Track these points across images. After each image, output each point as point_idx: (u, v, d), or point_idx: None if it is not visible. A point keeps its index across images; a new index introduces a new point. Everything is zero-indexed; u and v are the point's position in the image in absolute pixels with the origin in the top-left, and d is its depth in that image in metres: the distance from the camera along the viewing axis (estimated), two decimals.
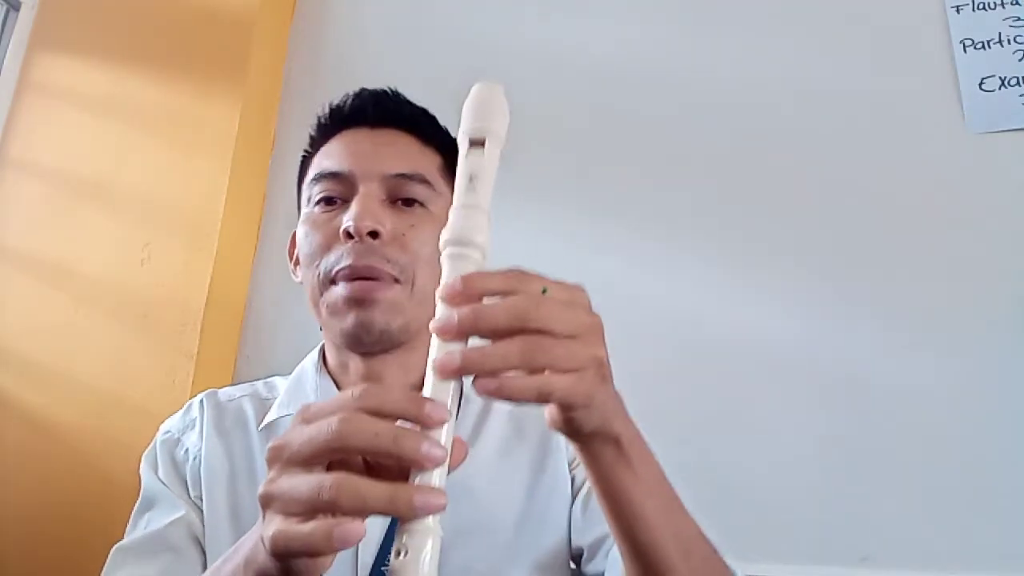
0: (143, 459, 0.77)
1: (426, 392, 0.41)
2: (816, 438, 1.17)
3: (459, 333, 0.41)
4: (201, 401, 0.79)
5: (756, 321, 1.25)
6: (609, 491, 0.50)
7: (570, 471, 0.76)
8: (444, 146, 0.80)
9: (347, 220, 0.70)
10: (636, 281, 1.29)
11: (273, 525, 0.40)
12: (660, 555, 0.51)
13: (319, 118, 0.81)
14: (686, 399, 1.18)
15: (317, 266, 0.72)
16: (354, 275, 0.70)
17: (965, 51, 1.29)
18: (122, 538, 0.72)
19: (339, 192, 0.74)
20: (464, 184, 0.45)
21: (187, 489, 0.73)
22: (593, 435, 0.48)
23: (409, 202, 0.74)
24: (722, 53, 1.42)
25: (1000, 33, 1.28)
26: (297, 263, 0.81)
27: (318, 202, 0.75)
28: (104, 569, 0.69)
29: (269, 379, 0.84)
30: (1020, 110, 1.24)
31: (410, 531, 0.38)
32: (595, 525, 0.70)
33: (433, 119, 0.82)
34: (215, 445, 0.75)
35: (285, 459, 0.41)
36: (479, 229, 0.44)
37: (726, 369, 1.22)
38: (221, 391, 0.82)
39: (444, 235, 0.44)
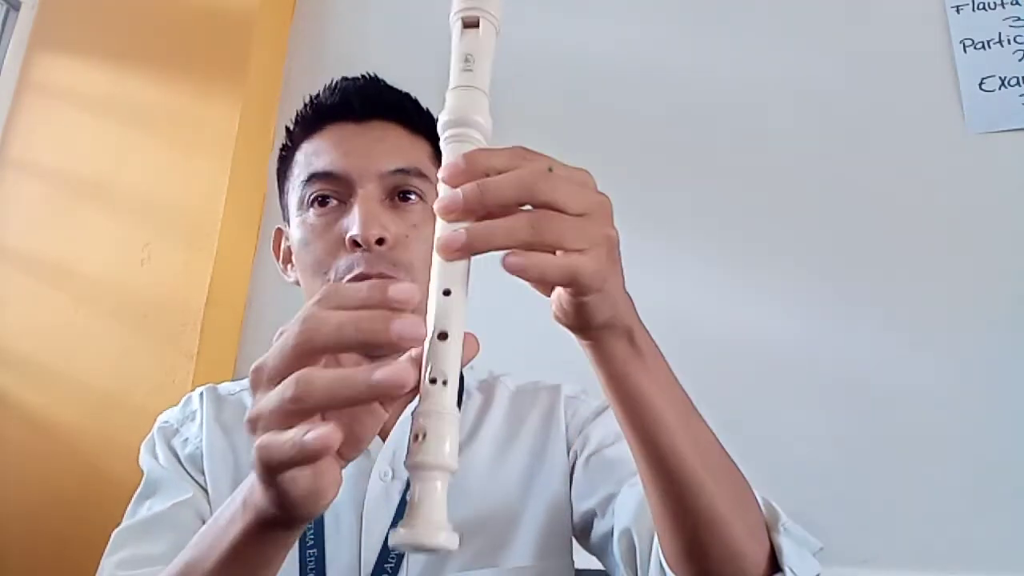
0: (142, 448, 0.77)
1: (433, 278, 0.39)
2: (816, 439, 1.17)
3: (465, 210, 0.38)
4: (201, 394, 0.79)
5: (756, 321, 1.25)
6: (624, 391, 0.48)
7: (569, 449, 0.75)
8: (431, 132, 0.78)
9: (353, 229, 0.69)
10: (636, 281, 1.28)
11: (258, 441, 0.38)
12: (680, 459, 0.48)
13: (298, 112, 0.79)
14: None
15: (325, 274, 0.71)
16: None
17: (965, 51, 1.29)
18: None
19: (334, 192, 0.73)
20: (460, 65, 0.42)
21: (190, 475, 0.73)
22: (605, 326, 0.45)
23: (406, 196, 0.73)
24: (722, 53, 1.42)
25: (1000, 33, 1.28)
26: (286, 261, 0.80)
27: (312, 202, 0.74)
28: (104, 553, 0.68)
29: None
30: (1020, 110, 1.24)
31: (427, 414, 0.37)
32: (600, 485, 0.70)
33: (417, 104, 0.80)
34: (217, 438, 0.74)
35: (265, 379, 0.39)
36: (478, 109, 0.41)
37: (726, 369, 1.22)
38: (220, 386, 0.81)
39: (442, 118, 0.42)
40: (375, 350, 0.37)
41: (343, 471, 0.41)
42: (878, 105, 1.31)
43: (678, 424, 0.49)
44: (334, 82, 0.80)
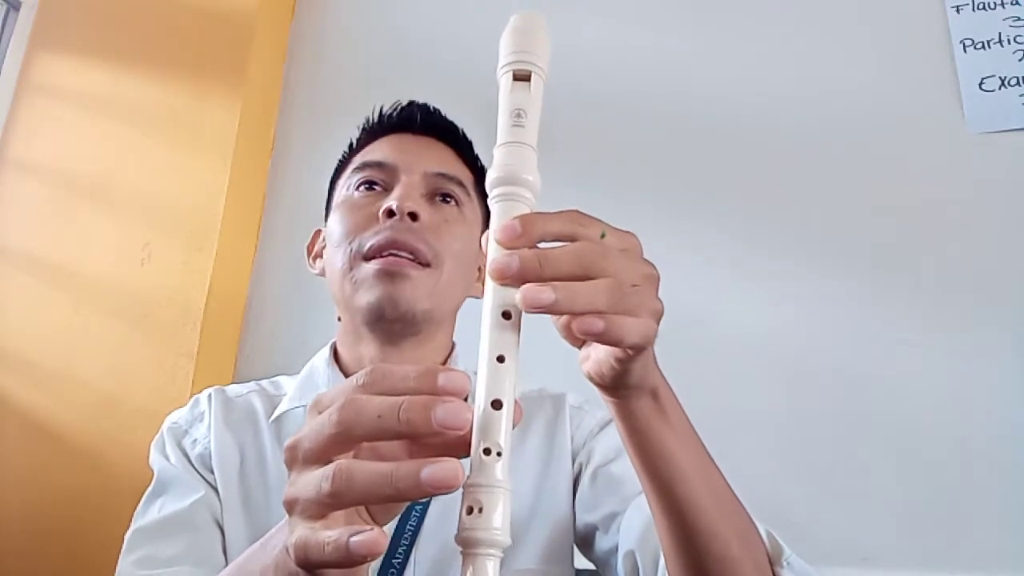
0: (152, 447, 0.77)
1: (485, 343, 0.38)
2: (816, 438, 1.17)
3: (518, 277, 0.38)
4: (209, 396, 0.80)
5: (755, 319, 1.25)
6: (646, 445, 0.49)
7: (574, 460, 0.77)
8: (475, 165, 0.84)
9: (391, 200, 0.73)
10: None
11: (296, 532, 0.37)
12: (698, 509, 0.50)
13: (366, 120, 0.85)
14: (686, 398, 1.18)
15: (351, 243, 0.74)
16: (391, 248, 0.71)
17: (965, 51, 1.29)
18: (122, 536, 0.72)
19: (381, 179, 0.77)
20: (510, 120, 0.42)
21: (200, 474, 0.74)
22: (636, 387, 0.47)
23: (446, 199, 0.78)
24: (723, 54, 1.42)
25: (1000, 33, 1.28)
26: (316, 257, 0.84)
27: (359, 186, 0.78)
28: (121, 553, 0.69)
29: (274, 378, 0.85)
30: (1020, 110, 1.24)
31: (480, 487, 0.35)
32: (604, 501, 0.71)
33: (468, 140, 0.85)
34: (225, 437, 0.75)
35: (300, 458, 0.38)
36: (528, 166, 0.41)
37: (726, 368, 1.22)
38: (228, 388, 0.82)
39: (491, 174, 0.41)
40: (417, 438, 0.36)
41: None
42: (878, 105, 1.31)
43: (696, 475, 0.50)
44: (401, 101, 0.85)
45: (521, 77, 0.43)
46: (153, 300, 1.40)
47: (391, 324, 0.73)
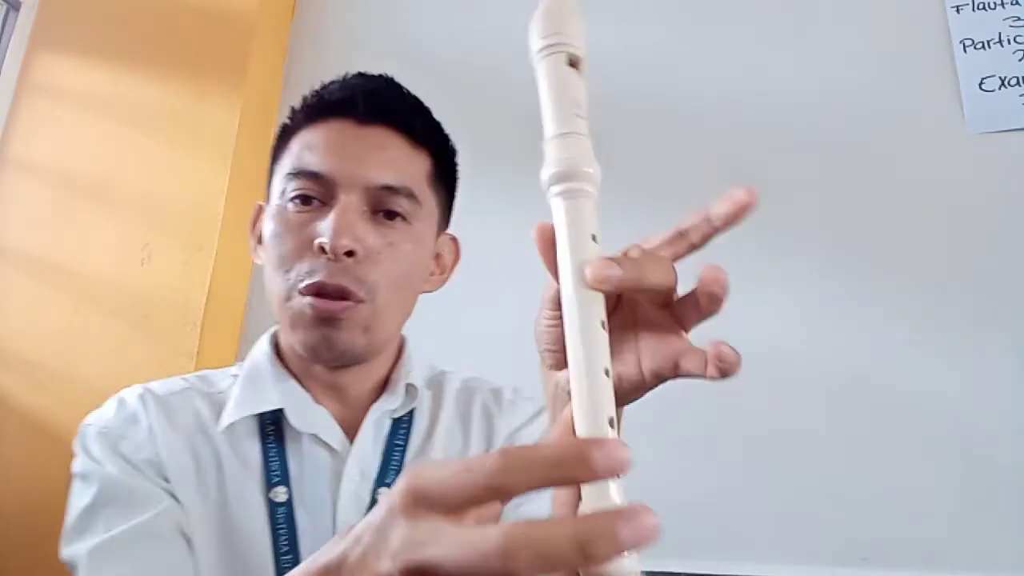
0: (81, 452, 0.69)
1: (584, 355, 0.35)
2: (817, 438, 1.17)
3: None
4: (140, 395, 0.72)
5: (758, 321, 1.25)
6: None
7: None
8: (436, 146, 0.76)
9: (323, 235, 0.66)
10: None
11: None
12: None
13: (305, 97, 0.76)
14: (687, 399, 1.18)
15: (287, 272, 0.69)
16: (323, 293, 0.67)
17: (965, 51, 1.29)
18: None
19: (317, 192, 0.70)
20: (571, 109, 0.38)
21: (153, 481, 0.67)
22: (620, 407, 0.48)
23: (391, 215, 0.71)
24: (722, 54, 1.42)
25: (1000, 33, 1.28)
26: (259, 241, 0.76)
27: (293, 198, 0.70)
28: (82, 572, 0.62)
29: (201, 373, 0.78)
30: (1020, 110, 1.24)
31: None
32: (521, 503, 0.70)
33: (427, 115, 0.77)
34: (174, 442, 0.69)
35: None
36: (590, 158, 0.38)
37: None
38: (154, 385, 0.74)
39: (549, 169, 0.38)
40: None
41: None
42: (878, 105, 1.31)
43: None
44: (347, 75, 0.76)
45: (573, 62, 0.40)
46: (153, 300, 1.40)
47: (330, 361, 0.71)
